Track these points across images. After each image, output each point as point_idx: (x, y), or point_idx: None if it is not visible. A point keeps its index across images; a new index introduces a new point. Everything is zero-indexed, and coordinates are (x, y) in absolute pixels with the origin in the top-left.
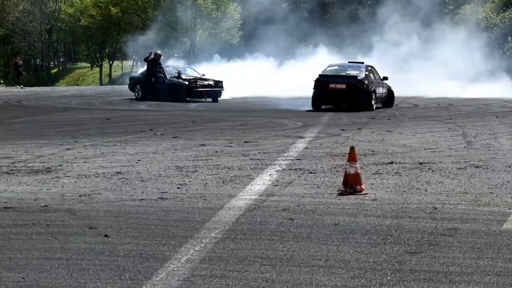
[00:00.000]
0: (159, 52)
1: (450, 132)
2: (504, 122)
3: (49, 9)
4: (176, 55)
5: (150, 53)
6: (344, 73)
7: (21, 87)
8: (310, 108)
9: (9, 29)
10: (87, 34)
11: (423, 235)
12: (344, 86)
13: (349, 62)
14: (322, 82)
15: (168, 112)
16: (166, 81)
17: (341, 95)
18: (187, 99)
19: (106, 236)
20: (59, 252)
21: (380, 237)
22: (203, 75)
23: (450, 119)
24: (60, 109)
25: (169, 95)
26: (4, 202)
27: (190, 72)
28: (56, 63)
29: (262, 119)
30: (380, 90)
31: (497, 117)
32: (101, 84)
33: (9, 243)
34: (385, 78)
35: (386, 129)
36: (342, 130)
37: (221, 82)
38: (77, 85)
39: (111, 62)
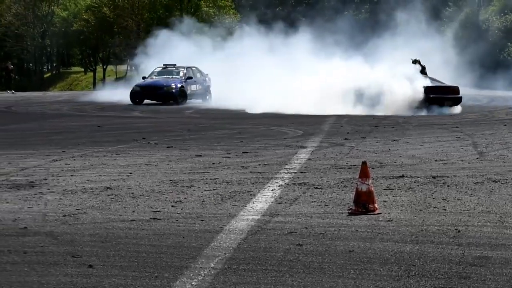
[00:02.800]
0: None
1: (459, 141)
2: None
3: (43, 12)
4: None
5: None
6: None
7: (12, 92)
8: None
9: (1, 32)
10: (81, 38)
11: (450, 265)
12: None
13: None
14: None
15: (162, 119)
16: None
17: None
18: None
19: (90, 266)
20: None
21: (402, 268)
22: None
23: (457, 127)
24: (50, 116)
25: None
26: None
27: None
28: (49, 67)
29: (260, 126)
30: None
31: (505, 125)
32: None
33: None
34: None
35: (391, 138)
36: (346, 139)
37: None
38: (71, 90)
39: (105, 67)
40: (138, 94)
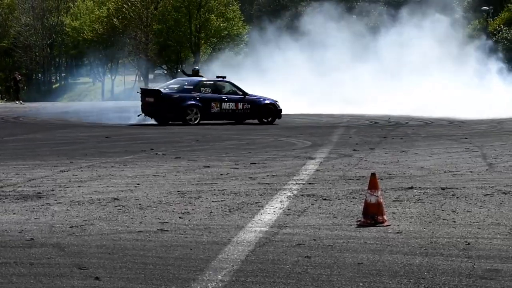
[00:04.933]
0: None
1: (468, 152)
2: None
3: (51, 23)
4: (179, 70)
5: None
6: None
7: (21, 103)
8: None
9: (10, 42)
10: (89, 49)
11: (460, 278)
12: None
13: None
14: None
15: (170, 130)
16: None
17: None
18: None
19: (97, 278)
20: None
21: (412, 281)
22: None
23: (466, 138)
24: (59, 126)
25: None
26: None
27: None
28: (57, 78)
29: (268, 137)
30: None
31: None
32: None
33: None
34: None
35: (400, 149)
36: (354, 150)
37: None
38: (79, 100)
39: (113, 77)
40: None
